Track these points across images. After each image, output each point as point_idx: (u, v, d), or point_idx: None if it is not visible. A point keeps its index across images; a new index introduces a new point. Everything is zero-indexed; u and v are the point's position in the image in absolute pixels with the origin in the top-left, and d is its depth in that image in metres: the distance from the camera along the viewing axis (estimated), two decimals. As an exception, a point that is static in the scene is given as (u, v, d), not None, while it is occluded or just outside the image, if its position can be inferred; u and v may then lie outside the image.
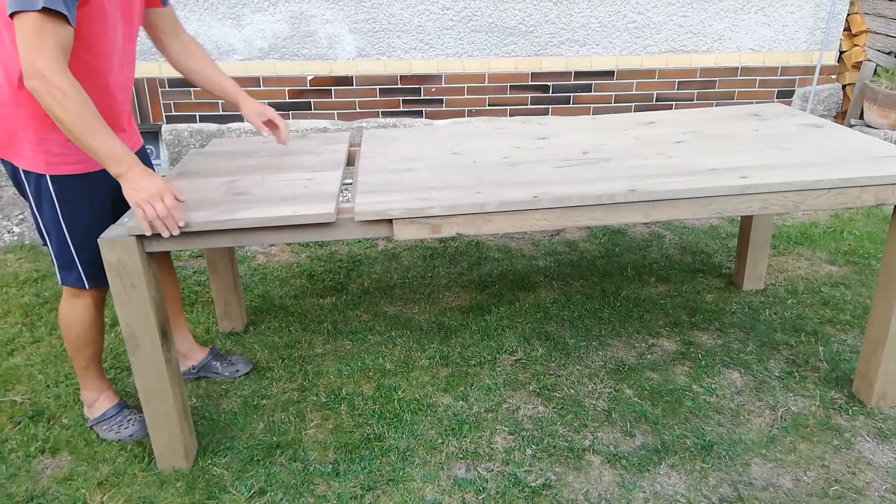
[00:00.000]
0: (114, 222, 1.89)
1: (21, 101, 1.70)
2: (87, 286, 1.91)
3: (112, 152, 1.62)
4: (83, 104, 1.57)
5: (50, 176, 1.77)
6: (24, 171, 1.78)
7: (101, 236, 1.68)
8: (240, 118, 4.04)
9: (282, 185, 1.93)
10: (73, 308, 1.97)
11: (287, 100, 4.03)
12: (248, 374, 2.36)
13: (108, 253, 1.68)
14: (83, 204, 1.82)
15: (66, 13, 1.54)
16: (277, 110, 4.03)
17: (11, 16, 1.52)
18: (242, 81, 3.96)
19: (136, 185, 1.64)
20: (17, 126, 1.74)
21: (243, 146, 2.37)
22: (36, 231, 1.88)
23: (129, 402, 2.20)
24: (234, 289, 2.57)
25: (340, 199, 1.80)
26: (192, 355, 2.34)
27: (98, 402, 2.12)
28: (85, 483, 1.90)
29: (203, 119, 4.03)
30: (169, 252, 2.23)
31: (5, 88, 1.71)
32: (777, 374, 2.32)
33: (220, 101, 4.00)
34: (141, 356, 1.81)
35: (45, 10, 1.51)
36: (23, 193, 1.85)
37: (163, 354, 1.81)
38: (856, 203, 1.89)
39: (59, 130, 1.67)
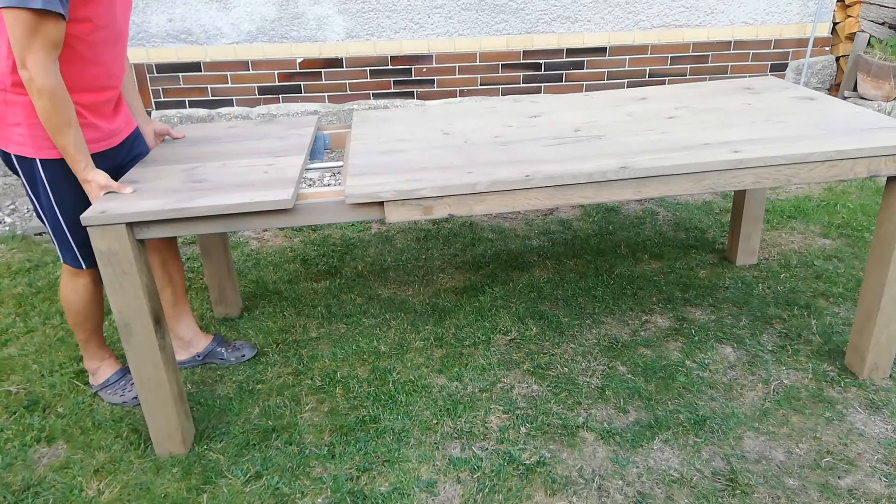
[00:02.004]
0: None
1: (9, 88, 1.74)
2: (83, 266, 1.97)
3: (74, 153, 1.74)
4: (59, 104, 1.67)
5: (40, 160, 1.80)
6: (15, 156, 1.82)
7: (86, 223, 1.67)
8: (230, 103, 4.01)
9: (241, 171, 1.90)
10: (73, 286, 2.03)
11: (277, 83, 4.00)
12: (254, 357, 2.38)
13: (98, 241, 1.67)
14: (74, 187, 1.85)
15: (62, 12, 1.59)
16: (267, 94, 4.04)
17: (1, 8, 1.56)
18: (231, 65, 3.92)
19: (90, 186, 1.79)
20: (8, 112, 1.77)
21: (208, 132, 2.33)
22: (35, 216, 1.96)
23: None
24: (228, 274, 2.56)
25: (318, 182, 1.75)
26: (197, 342, 2.35)
27: (100, 369, 2.19)
28: (81, 471, 1.90)
29: (192, 104, 3.99)
30: (175, 238, 2.25)
31: None
32: (770, 348, 2.33)
33: (209, 86, 3.96)
34: (135, 344, 1.80)
35: (41, 11, 1.55)
36: (17, 176, 1.90)
37: (157, 341, 1.81)
38: (848, 175, 1.89)
39: None
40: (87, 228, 1.67)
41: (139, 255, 1.73)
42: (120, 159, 1.99)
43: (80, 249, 1.94)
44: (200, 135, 2.30)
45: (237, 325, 2.59)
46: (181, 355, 2.33)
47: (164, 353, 1.85)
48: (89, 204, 1.88)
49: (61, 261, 1.98)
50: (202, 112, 3.98)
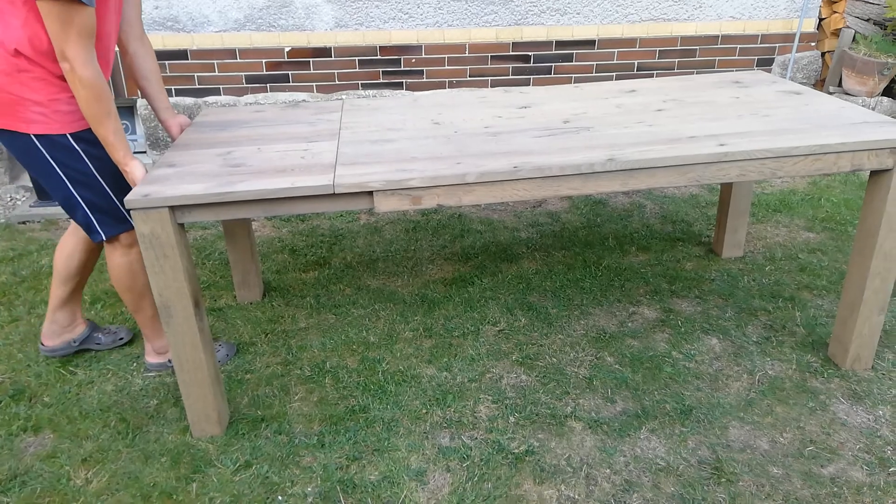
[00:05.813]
0: None
1: (23, 67, 1.72)
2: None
3: (115, 141, 1.75)
4: (100, 94, 1.68)
5: (70, 134, 1.80)
6: (37, 136, 1.79)
7: (129, 206, 1.66)
8: (217, 92, 3.97)
9: (277, 156, 1.92)
10: (129, 260, 2.01)
11: (264, 72, 3.97)
12: (131, 342, 2.39)
13: (142, 224, 1.68)
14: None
15: (85, 1, 1.59)
16: (254, 83, 4.01)
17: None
18: (218, 54, 3.88)
19: (131, 174, 1.79)
20: (23, 91, 1.74)
21: (235, 116, 2.34)
22: (53, 197, 1.92)
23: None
24: (251, 258, 2.58)
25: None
26: (75, 329, 2.30)
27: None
28: (69, 460, 1.90)
29: (179, 93, 3.95)
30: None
31: (4, 57, 1.71)
32: (755, 340, 2.36)
33: (195, 74, 3.92)
34: (174, 326, 1.81)
35: (69, 1, 1.56)
36: (29, 163, 1.84)
37: (196, 323, 1.82)
38: (832, 169, 1.91)
39: (67, 90, 1.76)
40: (130, 212, 1.67)
41: (180, 239, 1.74)
42: None
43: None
44: (229, 119, 2.30)
45: (225, 315, 2.58)
46: (53, 341, 2.27)
47: (202, 334, 1.86)
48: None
49: (105, 238, 1.94)
50: (189, 100, 3.94)
